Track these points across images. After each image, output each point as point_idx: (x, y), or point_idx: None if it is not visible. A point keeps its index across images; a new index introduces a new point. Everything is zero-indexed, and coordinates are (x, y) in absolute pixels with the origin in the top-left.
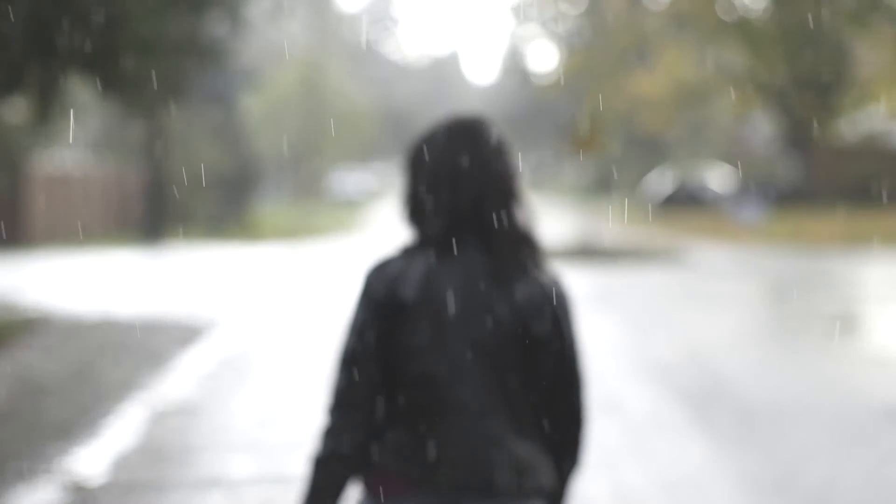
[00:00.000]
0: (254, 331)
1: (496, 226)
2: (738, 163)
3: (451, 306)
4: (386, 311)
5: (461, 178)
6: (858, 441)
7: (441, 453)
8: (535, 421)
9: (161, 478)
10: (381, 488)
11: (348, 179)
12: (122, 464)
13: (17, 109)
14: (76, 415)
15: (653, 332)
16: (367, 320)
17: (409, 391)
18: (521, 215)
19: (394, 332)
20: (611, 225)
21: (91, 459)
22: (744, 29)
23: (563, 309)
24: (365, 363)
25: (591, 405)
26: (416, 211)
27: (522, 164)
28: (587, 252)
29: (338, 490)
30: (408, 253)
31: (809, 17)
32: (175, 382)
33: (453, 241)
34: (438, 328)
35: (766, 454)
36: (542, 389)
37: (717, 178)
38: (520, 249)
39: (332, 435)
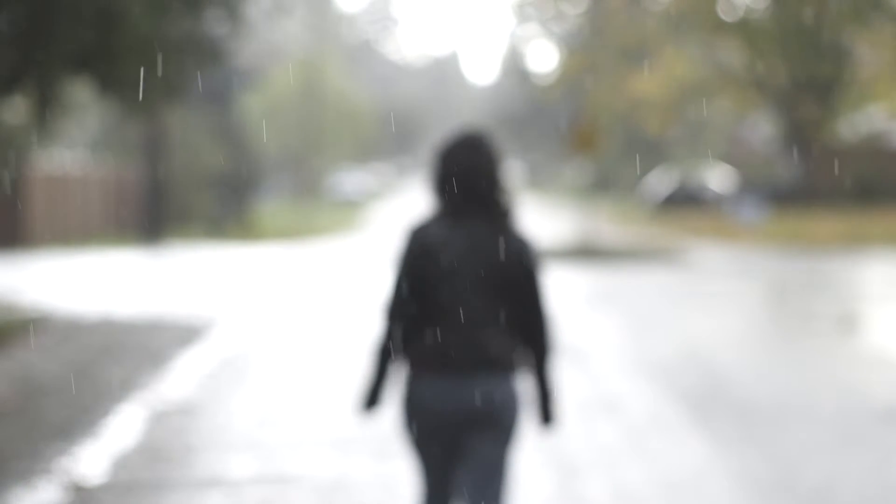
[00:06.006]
0: (254, 331)
1: (488, 204)
2: (738, 163)
3: (458, 254)
4: (418, 257)
5: (466, 174)
6: (858, 441)
7: (450, 349)
8: (515, 327)
9: (161, 478)
10: (416, 370)
11: (348, 179)
12: (122, 464)
13: (17, 109)
14: (76, 415)
15: (653, 331)
16: (406, 262)
17: (431, 308)
18: (503, 199)
19: (423, 270)
20: (610, 225)
21: (91, 459)
22: (744, 29)
23: (529, 257)
24: (404, 289)
25: (592, 404)
26: (438, 193)
27: (522, 164)
28: (587, 252)
29: (387, 368)
30: (433, 219)
31: (809, 16)
32: (175, 382)
33: (461, 212)
34: (450, 268)
35: (766, 454)
36: (519, 309)
37: (717, 178)
38: (501, 219)
39: (385, 333)
